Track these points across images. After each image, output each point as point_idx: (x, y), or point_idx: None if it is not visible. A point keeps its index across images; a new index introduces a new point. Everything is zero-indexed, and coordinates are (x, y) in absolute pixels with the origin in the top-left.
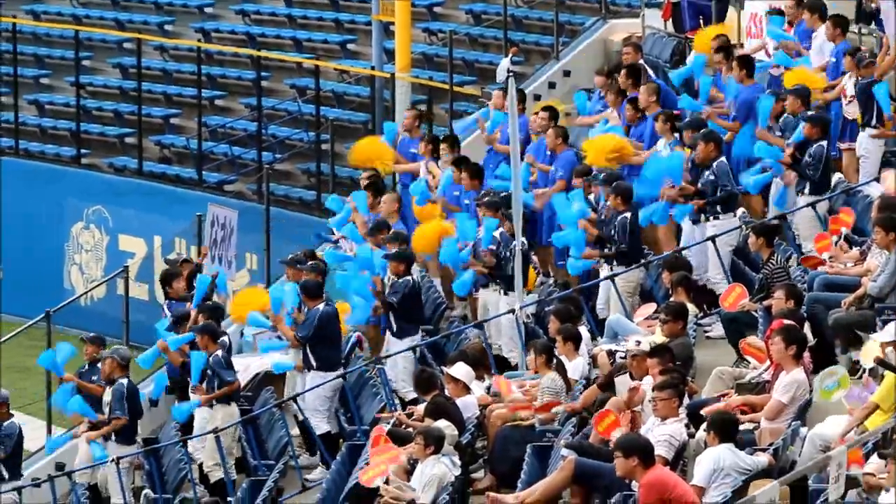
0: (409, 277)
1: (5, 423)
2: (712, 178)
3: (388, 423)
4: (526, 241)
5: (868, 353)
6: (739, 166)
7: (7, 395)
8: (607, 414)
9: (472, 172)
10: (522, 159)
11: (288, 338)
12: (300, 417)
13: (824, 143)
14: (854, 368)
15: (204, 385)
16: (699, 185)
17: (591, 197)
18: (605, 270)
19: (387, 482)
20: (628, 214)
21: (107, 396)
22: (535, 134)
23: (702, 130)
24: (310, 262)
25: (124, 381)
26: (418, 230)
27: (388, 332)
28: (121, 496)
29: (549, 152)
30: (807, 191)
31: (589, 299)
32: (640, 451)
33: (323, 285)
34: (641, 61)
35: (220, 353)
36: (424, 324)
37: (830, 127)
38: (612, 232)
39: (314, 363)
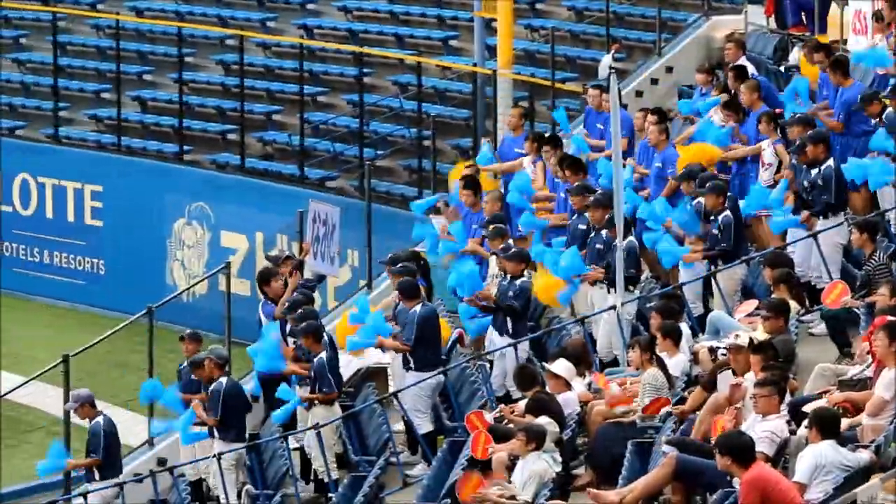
0: (526, 278)
1: (91, 423)
2: (820, 182)
3: (490, 413)
4: (635, 240)
5: None
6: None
7: (90, 395)
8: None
9: (574, 168)
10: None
11: (398, 350)
12: (405, 416)
13: None
14: None
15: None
16: (805, 183)
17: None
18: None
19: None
20: (729, 213)
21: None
22: (641, 133)
23: (809, 132)
24: (399, 265)
25: (223, 380)
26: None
27: (490, 328)
28: (223, 492)
29: (651, 148)
30: None
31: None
32: (735, 449)
33: (418, 285)
34: (744, 58)
35: (324, 355)
36: (536, 324)
37: None
38: (716, 231)
39: (412, 364)
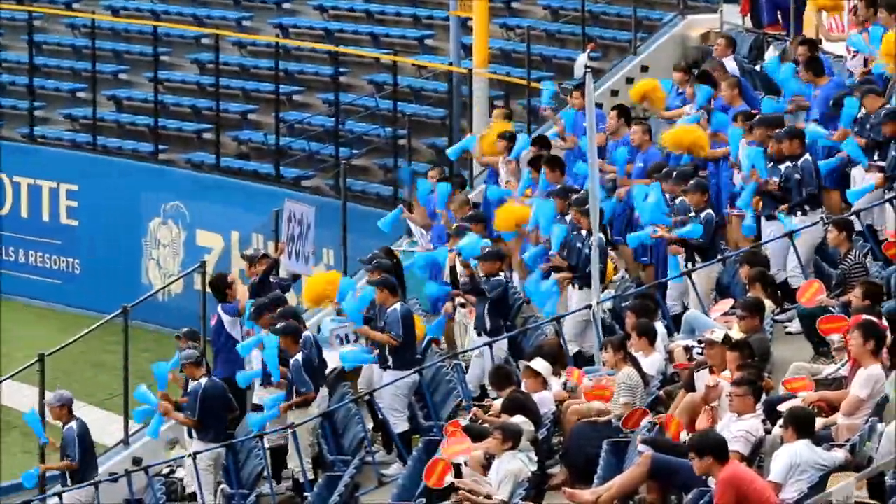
0: (502, 276)
1: (65, 429)
2: (798, 176)
3: (466, 418)
4: (604, 237)
5: None
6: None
7: (71, 398)
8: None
9: (551, 165)
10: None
11: (383, 341)
12: (378, 415)
13: None
14: None
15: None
16: (775, 178)
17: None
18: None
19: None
20: (710, 210)
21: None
22: (609, 134)
23: (787, 127)
24: (375, 262)
25: (202, 381)
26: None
27: (470, 329)
28: (199, 492)
29: (632, 149)
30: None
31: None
32: (713, 448)
33: (397, 283)
34: (731, 57)
35: (300, 356)
36: (512, 323)
37: None
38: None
39: (391, 363)
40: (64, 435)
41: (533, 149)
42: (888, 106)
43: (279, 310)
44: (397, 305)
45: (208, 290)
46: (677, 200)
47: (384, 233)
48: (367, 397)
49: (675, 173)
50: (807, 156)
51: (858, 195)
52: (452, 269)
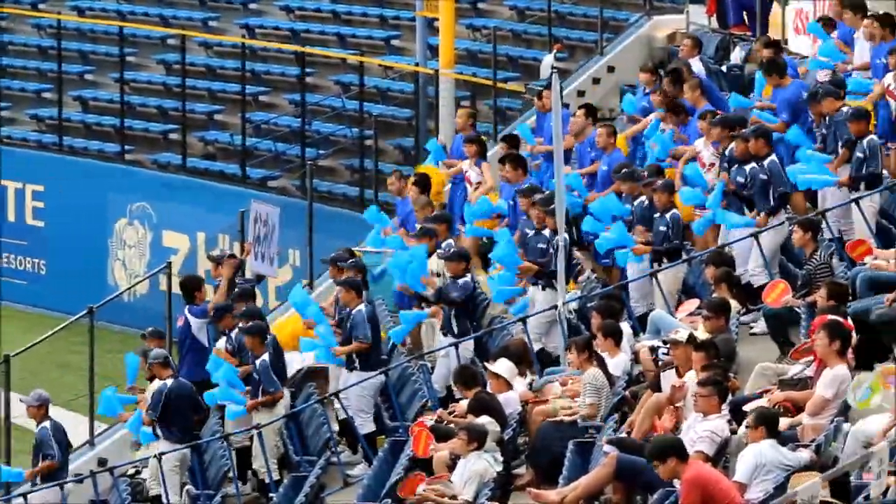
0: (468, 278)
1: (38, 427)
2: (764, 177)
3: (431, 419)
4: (568, 238)
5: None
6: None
7: (47, 398)
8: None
9: (514, 164)
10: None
11: (354, 350)
12: (341, 415)
13: (874, 136)
14: None
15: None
16: (739, 178)
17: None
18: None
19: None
20: (677, 210)
21: (148, 393)
22: (574, 135)
23: (754, 127)
24: (351, 260)
25: (168, 381)
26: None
27: (437, 331)
28: (164, 493)
29: (598, 150)
30: (862, 185)
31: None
32: (673, 449)
33: (361, 284)
34: (698, 58)
35: (266, 357)
36: (478, 324)
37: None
38: (665, 227)
39: (357, 364)
40: (38, 434)
41: (503, 146)
42: (846, 108)
43: (243, 309)
44: (362, 306)
45: (175, 290)
46: (636, 202)
47: (350, 233)
48: (333, 397)
49: (635, 173)
50: (773, 156)
51: (820, 184)
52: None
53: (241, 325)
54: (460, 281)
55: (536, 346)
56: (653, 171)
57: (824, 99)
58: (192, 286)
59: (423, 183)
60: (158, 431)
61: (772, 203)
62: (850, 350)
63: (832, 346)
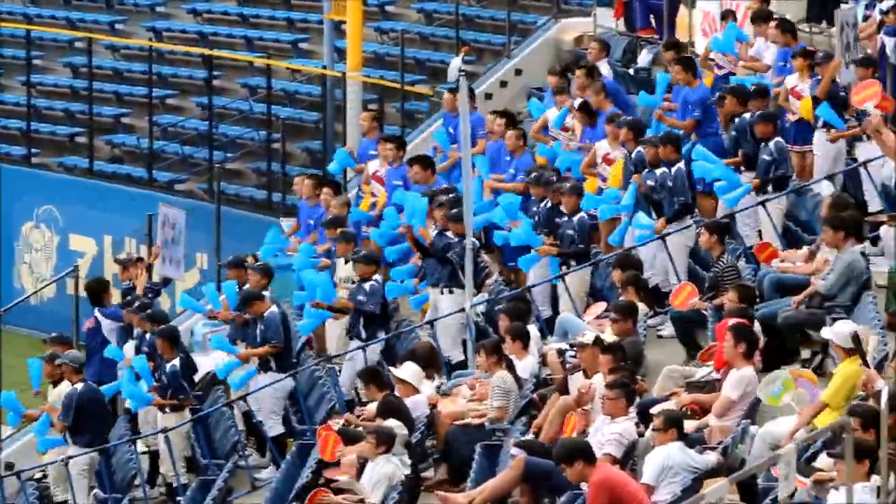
0: (378, 279)
1: None
2: (670, 184)
3: (338, 422)
4: (477, 241)
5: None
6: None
7: None
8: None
9: (422, 164)
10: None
11: (265, 353)
12: (253, 418)
13: (780, 138)
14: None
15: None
16: (650, 182)
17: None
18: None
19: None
20: (585, 214)
21: (52, 397)
22: (491, 135)
23: (664, 133)
24: (257, 264)
25: (78, 386)
26: None
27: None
28: (72, 497)
29: (508, 154)
30: (769, 188)
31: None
32: (581, 452)
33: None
34: (605, 61)
35: (177, 362)
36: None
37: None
38: (572, 231)
39: (273, 366)
40: None
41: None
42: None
43: (148, 312)
44: (274, 308)
45: (82, 293)
46: (540, 205)
47: (258, 236)
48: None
49: (543, 177)
50: (680, 164)
51: (734, 201)
52: None
53: (150, 327)
54: (366, 285)
55: (446, 351)
56: (561, 175)
57: (728, 98)
58: (98, 289)
59: (336, 184)
60: (67, 436)
61: (675, 209)
62: (756, 352)
63: (738, 349)
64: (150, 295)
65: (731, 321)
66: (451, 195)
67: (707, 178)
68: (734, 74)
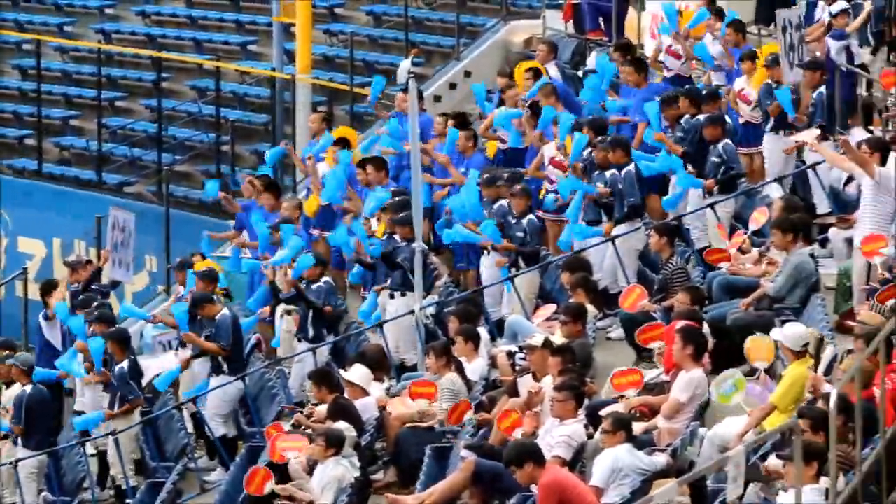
0: (328, 279)
1: None
2: (619, 186)
3: (288, 423)
4: (425, 244)
5: (755, 351)
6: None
7: None
8: (509, 413)
9: (376, 165)
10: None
11: (211, 350)
12: (202, 421)
13: (728, 140)
14: (753, 369)
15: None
16: (599, 184)
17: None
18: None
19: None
20: (533, 216)
21: (4, 399)
22: (438, 137)
23: (612, 137)
24: (202, 270)
25: (28, 388)
26: None
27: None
28: (19, 499)
29: (459, 155)
30: (715, 190)
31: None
32: (530, 454)
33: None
34: (553, 63)
35: (125, 364)
36: (335, 329)
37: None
38: (522, 233)
39: (225, 368)
40: None
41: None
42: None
43: (97, 313)
44: (225, 311)
45: (31, 295)
46: (496, 205)
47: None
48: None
49: (496, 178)
50: (630, 166)
51: (674, 203)
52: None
53: (95, 329)
54: (314, 286)
55: (395, 354)
56: (512, 177)
57: (681, 99)
58: (48, 291)
59: (277, 187)
60: (18, 439)
61: (624, 212)
62: (706, 354)
63: (686, 351)
64: (98, 297)
65: (680, 323)
66: (396, 198)
67: (653, 172)
68: (684, 76)
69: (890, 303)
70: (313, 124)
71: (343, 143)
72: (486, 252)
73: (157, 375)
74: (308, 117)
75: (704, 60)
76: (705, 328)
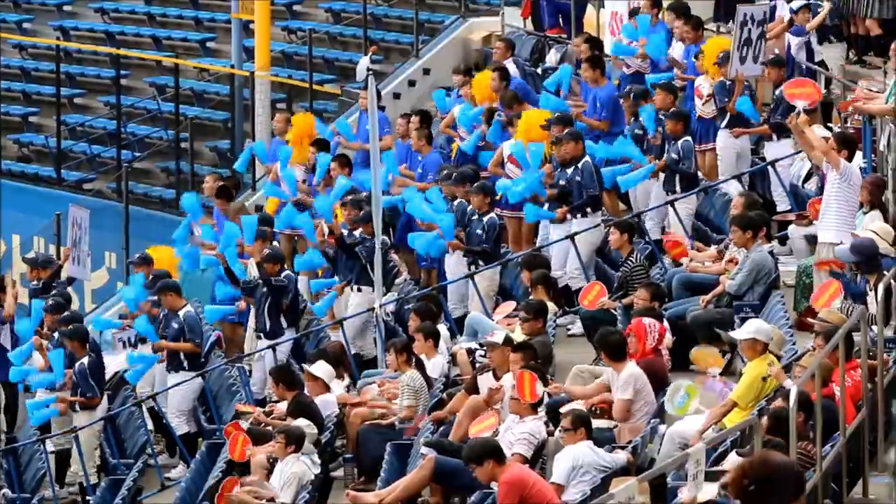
0: (290, 273)
1: None
2: (578, 178)
3: (248, 420)
4: (388, 240)
5: (702, 361)
6: (600, 164)
7: None
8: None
9: (341, 162)
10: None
11: (186, 350)
12: (163, 418)
13: (689, 137)
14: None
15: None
16: (561, 182)
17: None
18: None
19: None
20: (493, 214)
21: None
22: (401, 136)
23: (567, 130)
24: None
25: None
26: None
27: (251, 331)
28: None
29: (415, 153)
30: (678, 188)
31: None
32: (491, 452)
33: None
34: (511, 60)
35: (86, 360)
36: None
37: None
38: (481, 231)
39: (186, 365)
40: None
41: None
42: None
43: (64, 314)
44: (189, 307)
45: None
46: (455, 203)
47: (166, 235)
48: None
49: (454, 175)
50: (586, 158)
51: (633, 182)
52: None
53: (62, 328)
54: (280, 277)
55: (353, 350)
56: (462, 176)
57: (658, 93)
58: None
59: (228, 192)
60: None
61: (581, 201)
62: (666, 351)
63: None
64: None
65: (640, 322)
66: (352, 196)
67: (610, 156)
68: (643, 72)
69: (837, 303)
70: (278, 125)
71: (320, 144)
72: (449, 251)
73: (116, 373)
74: (267, 114)
75: (655, 59)
76: (665, 324)
